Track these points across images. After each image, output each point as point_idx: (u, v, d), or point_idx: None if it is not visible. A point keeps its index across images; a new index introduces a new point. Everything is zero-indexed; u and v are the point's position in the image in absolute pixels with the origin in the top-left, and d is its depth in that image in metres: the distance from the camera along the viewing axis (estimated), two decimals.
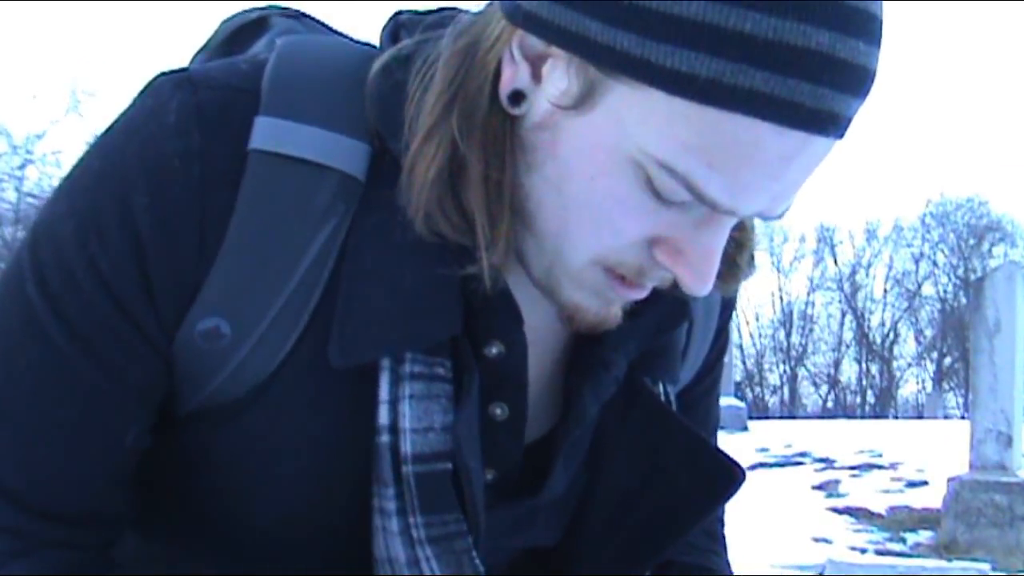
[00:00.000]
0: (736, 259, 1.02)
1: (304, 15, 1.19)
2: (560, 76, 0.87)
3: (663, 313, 1.05)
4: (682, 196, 0.84)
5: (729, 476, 1.07)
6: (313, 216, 0.93)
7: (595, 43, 0.83)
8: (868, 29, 0.80)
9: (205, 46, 1.21)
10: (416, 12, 1.03)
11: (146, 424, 0.97)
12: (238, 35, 1.18)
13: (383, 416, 0.95)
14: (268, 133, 0.93)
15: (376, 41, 1.03)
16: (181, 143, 0.91)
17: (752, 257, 1.05)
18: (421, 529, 0.96)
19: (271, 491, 0.98)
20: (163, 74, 0.96)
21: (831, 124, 0.82)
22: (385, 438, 0.95)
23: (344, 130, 0.95)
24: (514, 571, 1.14)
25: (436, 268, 0.94)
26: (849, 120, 0.84)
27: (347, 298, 0.93)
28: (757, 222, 1.01)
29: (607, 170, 0.85)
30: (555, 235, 0.91)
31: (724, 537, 1.34)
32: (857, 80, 0.81)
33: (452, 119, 0.91)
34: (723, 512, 1.34)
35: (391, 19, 1.03)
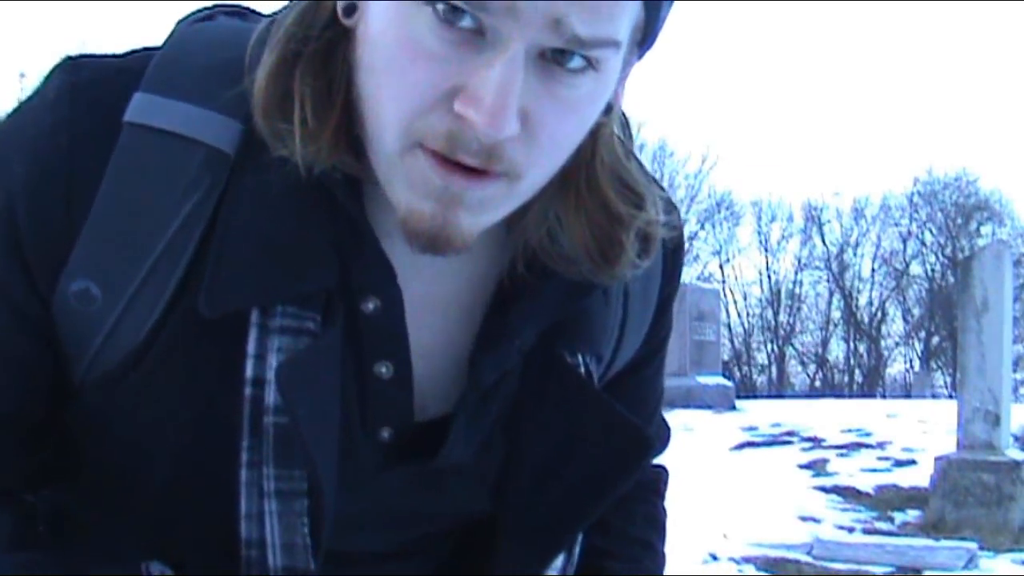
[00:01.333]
0: (616, 236, 1.03)
1: (250, 11, 1.22)
2: None
3: (568, 286, 1.07)
4: (460, 8, 0.85)
5: (641, 443, 1.14)
6: (180, 186, 0.97)
7: None
8: None
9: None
10: None
11: (24, 391, 1.03)
12: None
13: (249, 369, 0.99)
14: (142, 107, 0.98)
15: None
16: (53, 115, 0.98)
17: (646, 239, 1.06)
18: (272, 481, 1.00)
19: (161, 451, 1.02)
20: (67, 57, 1.03)
21: None
22: (249, 391, 0.99)
23: (218, 108, 0.99)
24: (461, 542, 1.20)
25: (307, 223, 0.98)
26: None
27: (218, 253, 0.97)
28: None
29: (396, 16, 0.88)
30: (374, 121, 0.93)
31: (658, 544, 1.38)
32: None
33: (293, 31, 0.95)
34: (661, 514, 1.40)
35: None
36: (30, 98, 1.02)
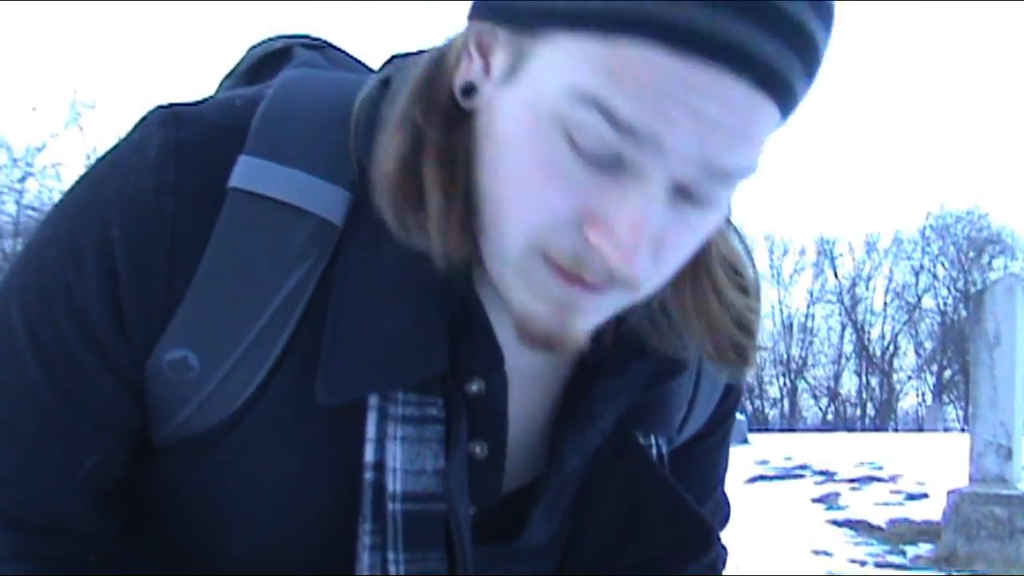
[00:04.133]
0: (738, 340, 1.02)
1: (329, 45, 1.21)
2: (501, 57, 0.88)
3: (655, 367, 1.05)
4: (603, 138, 0.81)
5: (706, 538, 1.09)
6: (286, 258, 0.94)
7: (514, 7, 0.85)
8: None
9: (232, 72, 1.25)
10: (411, 52, 1.03)
11: (109, 452, 0.99)
12: (263, 64, 1.20)
13: (369, 454, 0.96)
14: (248, 172, 0.94)
15: None
16: (156, 177, 0.93)
17: (753, 344, 1.05)
18: (401, 565, 0.98)
19: (243, 523, 1.00)
20: (157, 108, 0.98)
21: (736, 57, 0.78)
22: (369, 475, 0.96)
23: (325, 175, 0.95)
24: None
25: (421, 304, 0.95)
26: (768, 66, 0.79)
27: (332, 338, 0.94)
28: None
29: (532, 133, 0.84)
30: (495, 221, 0.89)
31: None
32: (765, 13, 0.78)
33: (415, 112, 0.92)
34: (720, 568, 1.32)
35: (386, 61, 1.04)
36: (125, 148, 0.97)
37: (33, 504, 0.98)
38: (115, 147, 0.98)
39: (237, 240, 0.93)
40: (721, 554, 1.33)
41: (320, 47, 1.19)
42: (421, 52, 0.99)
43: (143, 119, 0.98)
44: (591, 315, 0.91)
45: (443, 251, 0.91)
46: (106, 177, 0.96)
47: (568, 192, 0.84)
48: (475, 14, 0.91)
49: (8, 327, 0.96)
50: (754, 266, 1.09)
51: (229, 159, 0.94)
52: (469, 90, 0.91)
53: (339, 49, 1.22)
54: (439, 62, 0.94)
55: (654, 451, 1.11)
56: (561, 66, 0.81)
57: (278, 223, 0.94)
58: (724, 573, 1.30)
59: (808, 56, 0.81)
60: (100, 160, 0.99)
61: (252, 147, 0.95)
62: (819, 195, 72.48)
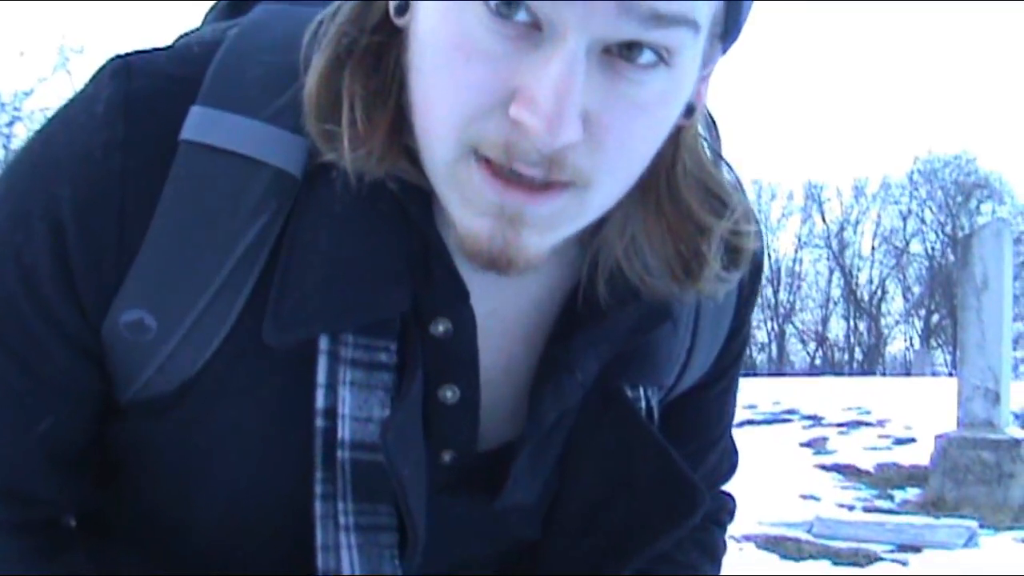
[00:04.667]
0: (698, 247, 0.95)
1: None
2: None
3: (641, 314, 1.00)
4: None
5: (692, 499, 1.04)
6: (243, 212, 0.90)
7: None
8: None
9: (214, 6, 1.19)
10: None
11: (66, 415, 0.96)
12: None
13: (320, 400, 0.93)
14: (200, 124, 0.90)
15: None
16: (104, 134, 0.90)
17: (735, 251, 0.99)
18: (350, 516, 0.94)
19: (209, 479, 0.97)
20: (112, 58, 0.94)
21: None
22: (320, 422, 0.93)
23: (283, 123, 0.91)
24: (506, 563, 1.13)
25: (375, 242, 0.91)
26: None
27: (283, 278, 0.91)
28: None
29: (447, 12, 0.80)
30: (425, 124, 0.85)
31: (719, 548, 1.29)
32: None
33: (345, 29, 0.88)
34: (719, 544, 1.29)
35: None
36: (76, 102, 0.94)
37: None
38: (68, 102, 0.95)
39: (190, 195, 0.90)
40: (727, 505, 1.31)
41: None
42: None
43: (97, 71, 0.94)
44: (538, 228, 0.84)
45: (362, 161, 0.87)
46: (56, 134, 0.94)
47: (488, 70, 0.79)
48: None
49: None
50: (740, 191, 1.02)
51: (182, 111, 0.91)
52: (403, 9, 0.86)
53: None
54: None
55: (642, 404, 1.06)
56: None
57: (233, 176, 0.90)
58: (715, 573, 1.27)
59: None
60: (53, 116, 0.96)
61: (205, 97, 0.91)
62: (807, 140, 72.48)
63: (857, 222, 49.16)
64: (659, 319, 1.02)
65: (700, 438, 1.17)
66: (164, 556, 1.02)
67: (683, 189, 0.94)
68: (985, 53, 75.51)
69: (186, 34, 1.11)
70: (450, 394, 0.98)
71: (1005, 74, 72.84)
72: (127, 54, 0.95)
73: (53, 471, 0.97)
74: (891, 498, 9.31)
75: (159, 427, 0.96)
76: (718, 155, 1.00)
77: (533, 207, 0.83)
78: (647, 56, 0.79)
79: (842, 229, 48.69)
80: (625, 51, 0.79)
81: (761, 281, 1.17)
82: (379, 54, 0.88)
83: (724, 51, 0.89)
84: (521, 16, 0.78)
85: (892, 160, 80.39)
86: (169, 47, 0.99)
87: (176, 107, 0.91)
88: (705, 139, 0.97)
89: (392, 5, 0.87)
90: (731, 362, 1.18)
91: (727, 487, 1.31)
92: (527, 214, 0.83)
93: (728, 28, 0.86)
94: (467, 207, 0.84)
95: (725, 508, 1.31)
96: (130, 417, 0.97)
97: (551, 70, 0.77)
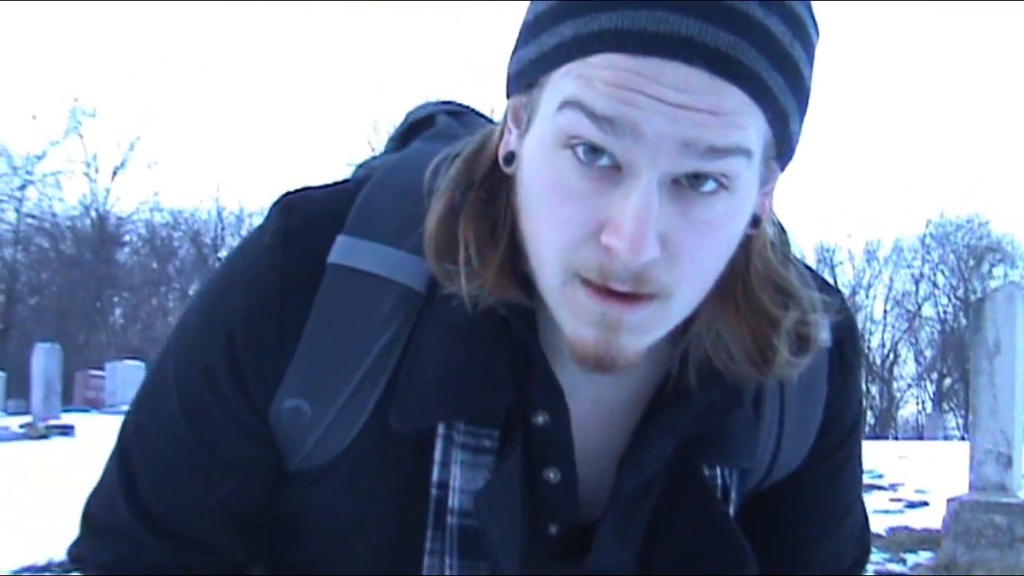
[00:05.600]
0: (769, 338, 1.10)
1: (470, 110, 1.41)
2: (523, 116, 1.03)
3: (719, 397, 1.14)
4: (589, 134, 0.93)
5: (740, 564, 1.17)
6: (377, 321, 1.12)
7: (523, 71, 1.01)
8: None
9: (392, 135, 1.45)
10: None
11: (241, 484, 1.20)
12: (411, 130, 1.39)
13: (435, 474, 1.13)
14: (344, 250, 1.13)
15: None
16: (268, 260, 1.14)
17: (803, 339, 1.12)
18: (455, 568, 1.14)
19: (351, 534, 1.18)
20: (282, 195, 1.18)
21: (685, 49, 0.90)
22: (435, 492, 1.13)
23: (410, 248, 1.12)
24: None
25: (484, 350, 1.10)
26: (720, 52, 0.91)
27: (408, 378, 1.11)
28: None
29: (545, 163, 0.98)
30: (536, 257, 1.03)
31: None
32: (712, 11, 0.90)
33: (459, 179, 1.08)
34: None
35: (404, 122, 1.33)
36: (254, 233, 1.18)
37: (181, 522, 1.21)
38: (249, 232, 1.19)
39: (334, 307, 1.13)
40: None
41: (460, 113, 1.38)
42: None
43: (271, 205, 1.18)
44: (634, 332, 1.01)
45: (476, 293, 1.06)
46: (235, 259, 1.20)
47: (580, 208, 0.96)
48: (508, 91, 1.06)
49: (165, 375, 1.19)
50: (808, 284, 1.16)
51: (330, 239, 1.13)
52: (510, 159, 1.05)
53: (480, 114, 1.40)
54: (487, 136, 1.11)
55: (719, 482, 1.20)
56: (553, 95, 0.96)
57: (369, 292, 1.12)
58: None
59: (767, 46, 0.93)
60: (239, 243, 1.21)
61: (350, 227, 1.14)
62: (818, 202, 72.49)
63: (869, 285, 49.18)
64: (732, 403, 1.16)
65: (819, 519, 1.30)
66: None
67: (756, 289, 1.10)
68: (998, 116, 75.65)
69: (361, 165, 1.39)
70: (552, 475, 1.16)
71: (1018, 137, 72.90)
72: (293, 191, 1.19)
73: (227, 528, 1.22)
74: (903, 562, 9.25)
75: (316, 493, 1.18)
76: (788, 257, 1.15)
77: (628, 315, 0.99)
78: (709, 184, 0.95)
79: (854, 292, 48.47)
80: (692, 180, 0.95)
81: (852, 354, 1.29)
82: (490, 199, 1.08)
83: (782, 169, 1.05)
84: (604, 161, 0.95)
85: (904, 223, 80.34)
86: (331, 184, 1.23)
87: (326, 237, 1.14)
88: (773, 243, 1.12)
89: (501, 156, 1.06)
90: (834, 447, 1.30)
91: None
92: (624, 321, 1.00)
93: (780, 151, 1.01)
94: (575, 319, 1.02)
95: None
96: (295, 483, 1.19)
97: (631, 202, 0.93)
